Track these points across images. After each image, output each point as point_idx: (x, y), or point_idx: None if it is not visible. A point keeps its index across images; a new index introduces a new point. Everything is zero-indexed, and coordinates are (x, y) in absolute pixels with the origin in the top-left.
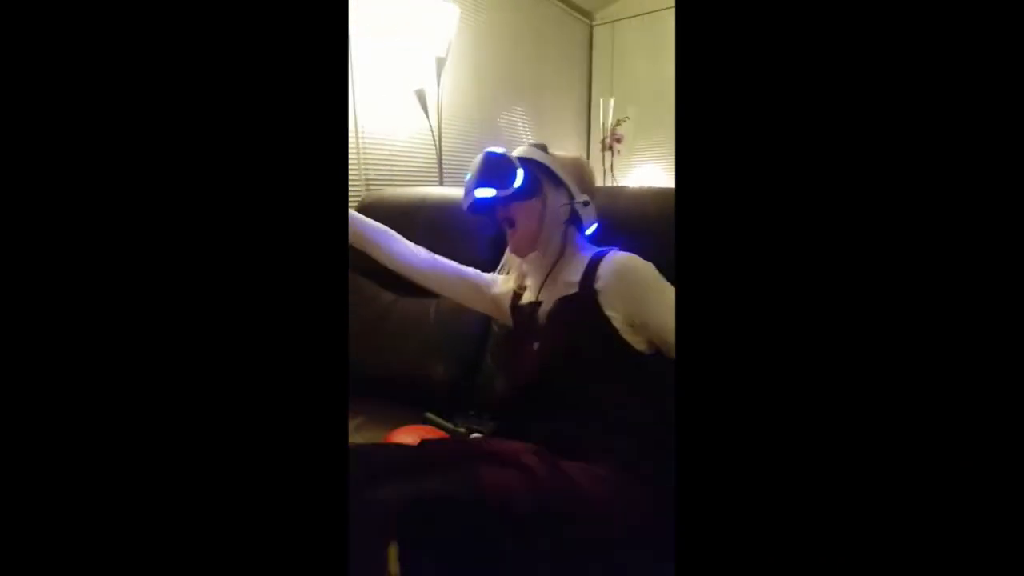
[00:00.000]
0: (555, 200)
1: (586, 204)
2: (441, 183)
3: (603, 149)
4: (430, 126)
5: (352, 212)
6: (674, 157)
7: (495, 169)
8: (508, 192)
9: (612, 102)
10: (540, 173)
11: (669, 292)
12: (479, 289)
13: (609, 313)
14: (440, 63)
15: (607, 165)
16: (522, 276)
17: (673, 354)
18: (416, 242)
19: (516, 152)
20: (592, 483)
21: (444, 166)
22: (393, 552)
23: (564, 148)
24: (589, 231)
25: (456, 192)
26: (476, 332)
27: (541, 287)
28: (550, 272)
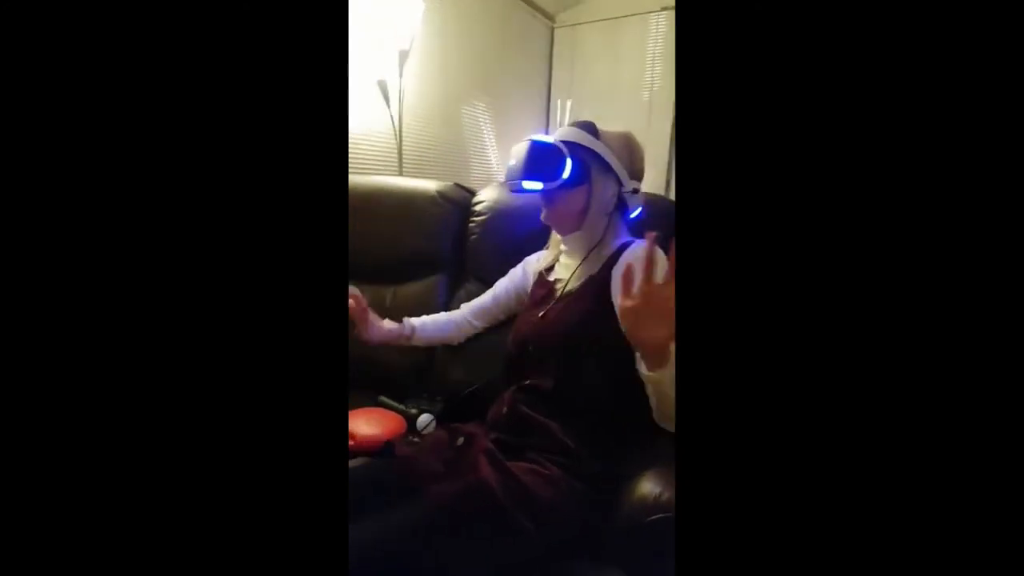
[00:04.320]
0: (603, 188)
1: (635, 192)
2: (401, 173)
3: None
4: (391, 117)
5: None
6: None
7: (543, 160)
8: (556, 184)
9: (569, 104)
10: (588, 158)
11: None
12: (515, 284)
13: (615, 300)
14: (403, 56)
15: None
16: (558, 254)
17: (639, 351)
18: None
19: (563, 135)
20: (539, 484)
21: (404, 157)
22: None
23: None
24: (633, 215)
25: (416, 184)
26: None
27: (576, 269)
28: (587, 256)
